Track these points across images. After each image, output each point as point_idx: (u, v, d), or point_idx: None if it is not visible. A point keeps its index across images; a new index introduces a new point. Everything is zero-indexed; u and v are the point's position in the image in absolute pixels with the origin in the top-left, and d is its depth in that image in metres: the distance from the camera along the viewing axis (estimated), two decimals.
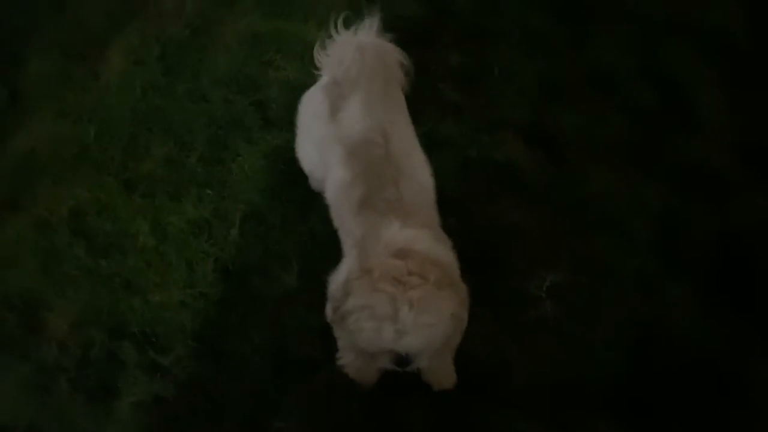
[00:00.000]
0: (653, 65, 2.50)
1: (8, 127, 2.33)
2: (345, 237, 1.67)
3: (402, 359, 1.41)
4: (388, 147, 1.60)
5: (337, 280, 1.55)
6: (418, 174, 1.65)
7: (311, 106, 1.88)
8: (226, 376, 1.77)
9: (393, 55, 1.79)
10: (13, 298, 1.90)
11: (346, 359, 1.75)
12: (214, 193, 2.15)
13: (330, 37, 1.81)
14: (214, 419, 1.69)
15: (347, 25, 1.82)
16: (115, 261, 1.98)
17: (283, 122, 2.33)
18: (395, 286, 1.34)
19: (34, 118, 2.37)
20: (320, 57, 1.87)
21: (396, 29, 2.11)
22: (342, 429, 1.69)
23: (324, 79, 1.87)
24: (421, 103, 2.43)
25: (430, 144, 2.26)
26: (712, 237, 2.05)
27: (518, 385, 1.75)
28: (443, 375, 1.73)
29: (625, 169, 2.23)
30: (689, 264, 2.00)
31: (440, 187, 2.16)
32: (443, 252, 1.53)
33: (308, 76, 2.45)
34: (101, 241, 2.03)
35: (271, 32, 2.64)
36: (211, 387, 1.74)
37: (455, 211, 2.08)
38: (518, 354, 1.80)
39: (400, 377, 1.75)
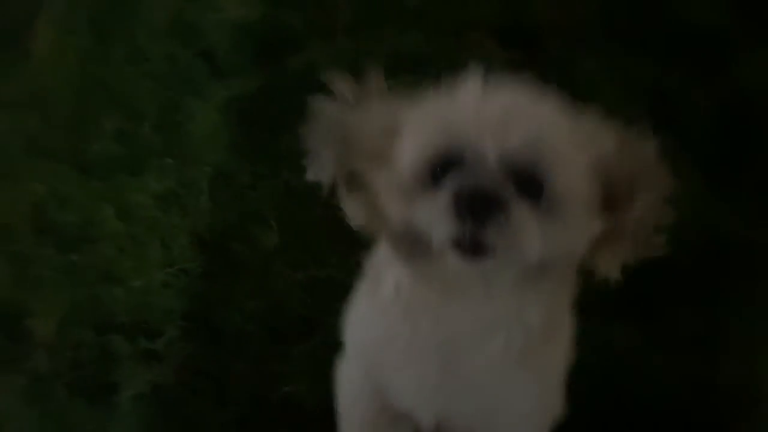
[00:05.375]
0: None
1: None
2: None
3: (480, 193, 0.64)
4: None
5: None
6: None
7: None
8: (224, 351, 1.70)
9: None
10: None
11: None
12: (175, 162, 2.00)
13: None
14: (218, 398, 1.64)
15: None
16: (87, 253, 1.88)
17: (235, 69, 2.14)
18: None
19: None
20: None
21: None
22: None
23: None
24: (380, 18, 2.23)
25: (396, 63, 2.10)
26: (715, 107, 1.87)
27: None
28: None
29: (612, 50, 2.02)
30: (695, 144, 1.83)
31: None
32: None
33: (250, 12, 2.25)
34: (68, 235, 1.92)
35: None
36: (209, 365, 1.68)
37: None
38: None
39: None
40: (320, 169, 0.81)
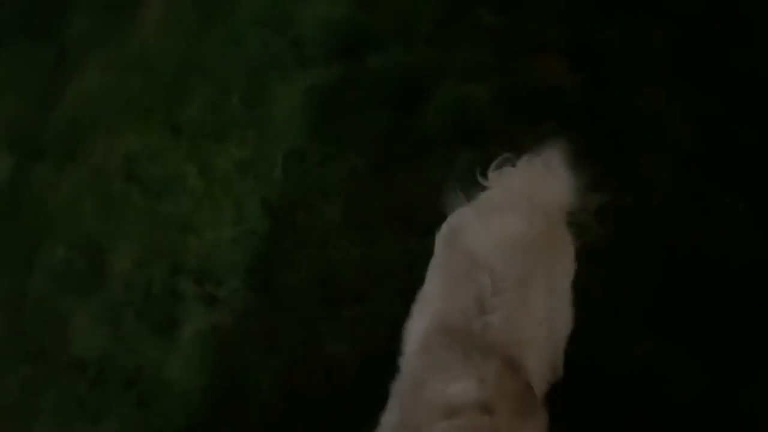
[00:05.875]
0: None
1: (59, 82, 2.45)
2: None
3: None
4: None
5: None
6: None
7: None
8: (278, 306, 1.86)
9: None
10: (79, 241, 2.05)
11: None
12: (256, 134, 2.20)
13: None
14: (269, 345, 1.80)
15: None
16: (169, 203, 2.09)
17: (320, 59, 2.33)
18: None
19: (83, 72, 2.47)
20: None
21: None
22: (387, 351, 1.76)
23: None
24: (456, 31, 2.39)
25: (467, 74, 2.25)
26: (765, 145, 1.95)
27: None
28: None
29: (674, 83, 2.12)
30: (743, 178, 1.92)
31: (480, 116, 2.16)
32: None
33: (340, 10, 2.45)
34: (154, 186, 2.13)
35: None
36: (264, 316, 1.84)
37: (498, 140, 2.06)
38: None
39: None
40: None
